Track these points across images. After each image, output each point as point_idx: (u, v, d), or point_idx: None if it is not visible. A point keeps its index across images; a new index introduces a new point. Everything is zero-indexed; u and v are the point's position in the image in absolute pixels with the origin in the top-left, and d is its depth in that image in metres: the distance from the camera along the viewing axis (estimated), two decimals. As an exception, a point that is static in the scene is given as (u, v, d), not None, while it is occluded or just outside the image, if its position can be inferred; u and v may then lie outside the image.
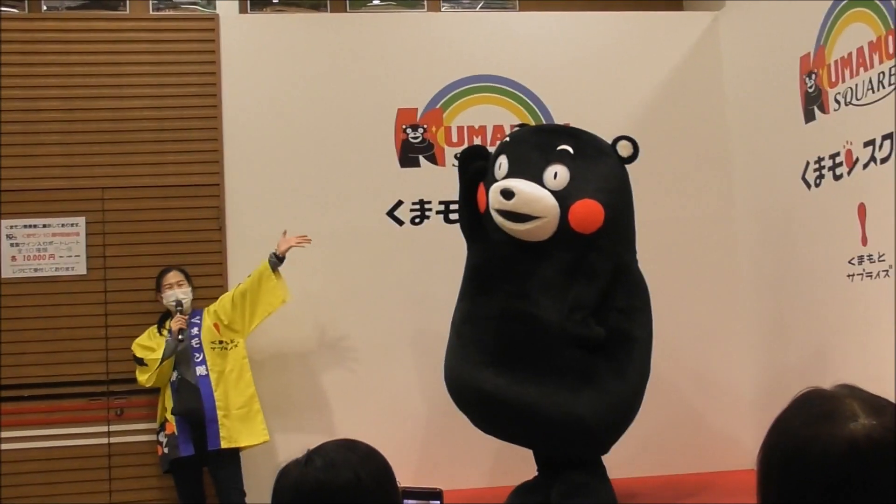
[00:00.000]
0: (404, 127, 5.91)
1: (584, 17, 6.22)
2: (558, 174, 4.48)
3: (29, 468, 5.36)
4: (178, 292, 5.27)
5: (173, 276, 5.32)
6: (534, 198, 4.41)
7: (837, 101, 4.88)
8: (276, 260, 5.27)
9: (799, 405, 1.41)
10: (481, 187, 4.70)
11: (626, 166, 4.74)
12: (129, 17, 5.88)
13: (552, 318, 4.44)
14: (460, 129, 5.93)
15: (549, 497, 4.67)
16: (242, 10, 6.32)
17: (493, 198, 4.49)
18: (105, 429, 5.46)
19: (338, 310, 5.73)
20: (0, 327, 5.42)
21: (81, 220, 5.58)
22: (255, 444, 5.17)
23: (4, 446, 5.37)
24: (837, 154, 4.85)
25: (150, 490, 5.43)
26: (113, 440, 5.46)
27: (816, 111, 5.06)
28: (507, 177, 4.53)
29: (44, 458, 5.39)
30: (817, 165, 5.04)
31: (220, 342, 5.24)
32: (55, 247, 5.53)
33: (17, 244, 5.49)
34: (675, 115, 6.10)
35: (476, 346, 4.58)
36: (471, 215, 4.75)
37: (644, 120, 6.05)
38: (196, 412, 5.03)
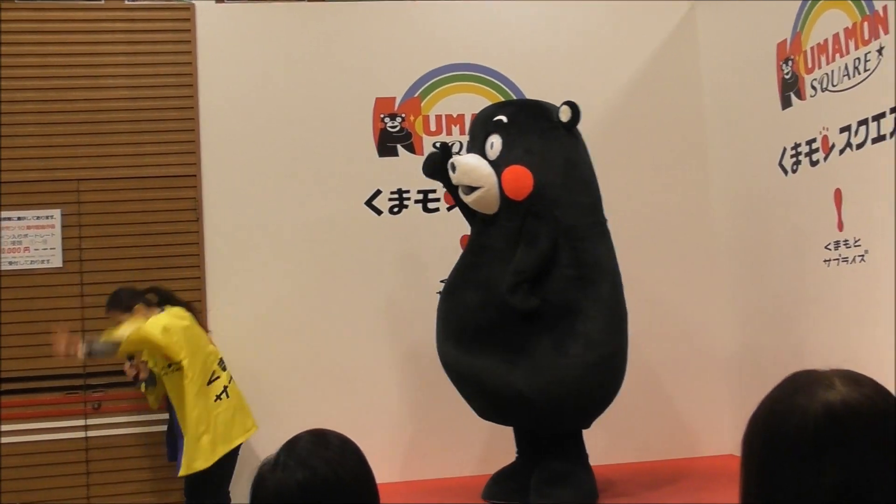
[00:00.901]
0: (382, 116, 5.89)
1: (563, 6, 6.20)
2: (493, 144, 4.63)
3: (6, 463, 5.31)
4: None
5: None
6: (469, 167, 4.56)
7: (814, 88, 4.89)
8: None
9: (784, 382, 1.44)
10: None
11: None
12: (105, 7, 5.81)
13: (500, 288, 4.48)
14: (438, 117, 5.91)
15: (527, 482, 4.67)
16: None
17: (450, 174, 4.66)
18: (82, 423, 5.43)
19: (317, 298, 5.71)
20: (-25, 321, 5.38)
21: (57, 213, 5.53)
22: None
23: (-19, 441, 5.34)
24: (814, 140, 4.87)
25: (128, 483, 5.40)
26: (90, 434, 5.43)
27: (793, 97, 5.07)
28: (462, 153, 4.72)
29: (21, 452, 5.34)
30: (794, 151, 5.05)
31: (169, 365, 4.84)
32: (30, 240, 5.48)
33: (-8, 237, 5.45)
34: (653, 102, 6.10)
35: (443, 321, 4.72)
36: (458, 202, 4.88)
37: (622, 107, 6.07)
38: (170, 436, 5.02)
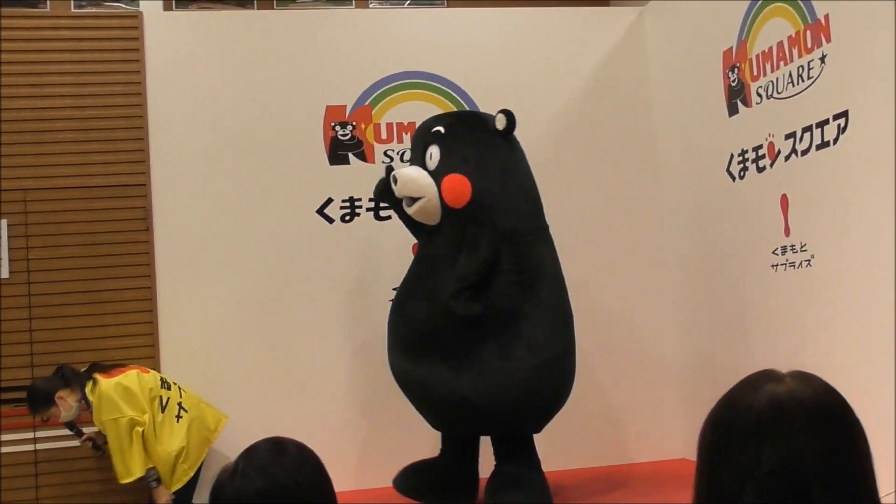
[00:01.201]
0: (333, 124, 5.88)
1: (512, 13, 6.25)
2: (432, 154, 4.72)
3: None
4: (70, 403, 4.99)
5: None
6: (409, 178, 4.66)
7: (759, 95, 4.97)
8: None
9: (742, 379, 1.51)
10: None
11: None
12: (50, 15, 5.76)
13: (442, 296, 4.54)
14: (389, 125, 5.92)
15: (443, 481, 4.80)
16: (167, 7, 6.23)
17: (392, 187, 4.74)
18: (31, 435, 5.35)
19: (268, 308, 5.68)
20: (-80, 334, 5.28)
21: (3, 223, 5.45)
22: None
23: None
24: (760, 146, 4.95)
25: (77, 497, 5.32)
26: (39, 447, 5.34)
27: (739, 104, 5.15)
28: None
29: (-32, 466, 5.26)
30: (741, 158, 5.13)
31: None
32: (-24, 250, 5.40)
33: (-64, 249, 5.35)
34: (602, 108, 6.16)
35: (392, 332, 4.78)
36: (405, 221, 4.97)
37: (572, 114, 6.12)
38: None
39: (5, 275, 5.42)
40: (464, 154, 4.69)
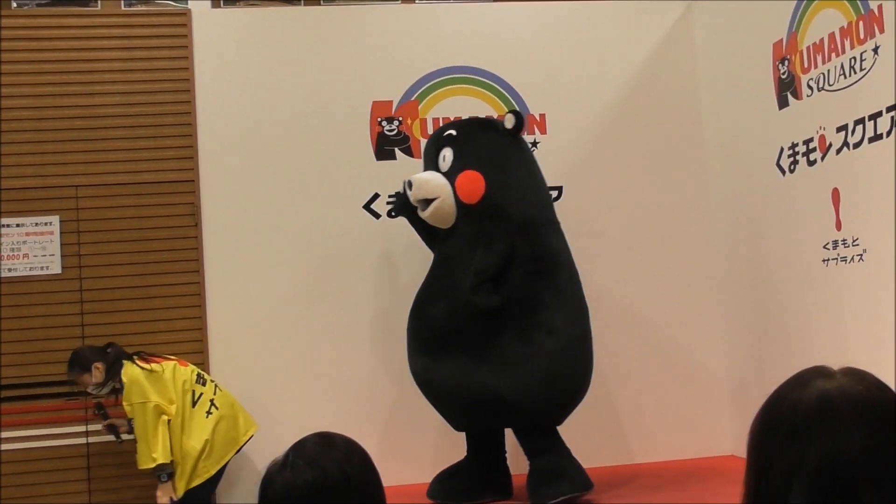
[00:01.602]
0: (380, 119, 5.89)
1: (558, 7, 6.21)
2: (445, 156, 4.86)
3: (7, 470, 5.32)
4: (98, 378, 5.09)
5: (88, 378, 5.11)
6: (423, 180, 4.81)
7: (810, 87, 4.90)
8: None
9: (793, 376, 1.50)
10: None
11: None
12: (100, 13, 5.82)
13: (460, 293, 4.68)
14: (436, 120, 5.92)
15: (471, 482, 4.84)
16: (215, 4, 6.27)
17: (407, 193, 4.88)
18: (83, 428, 5.43)
19: (316, 302, 5.71)
20: (-24, 329, 5.39)
21: (55, 219, 5.54)
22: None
23: (-18, 448, 5.34)
24: (811, 140, 4.87)
25: (129, 489, 5.39)
26: (91, 440, 5.43)
27: (790, 97, 5.08)
28: None
29: (21, 459, 5.35)
30: (791, 151, 5.06)
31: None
32: (29, 246, 5.48)
33: (-8, 244, 5.45)
34: (650, 103, 6.11)
35: (412, 335, 4.89)
36: (423, 233, 5.13)
37: (619, 108, 6.08)
38: None
39: (58, 270, 5.51)
40: (476, 153, 4.84)
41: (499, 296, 4.63)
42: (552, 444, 4.80)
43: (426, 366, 4.81)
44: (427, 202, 4.81)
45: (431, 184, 4.79)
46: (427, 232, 5.08)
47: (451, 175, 4.80)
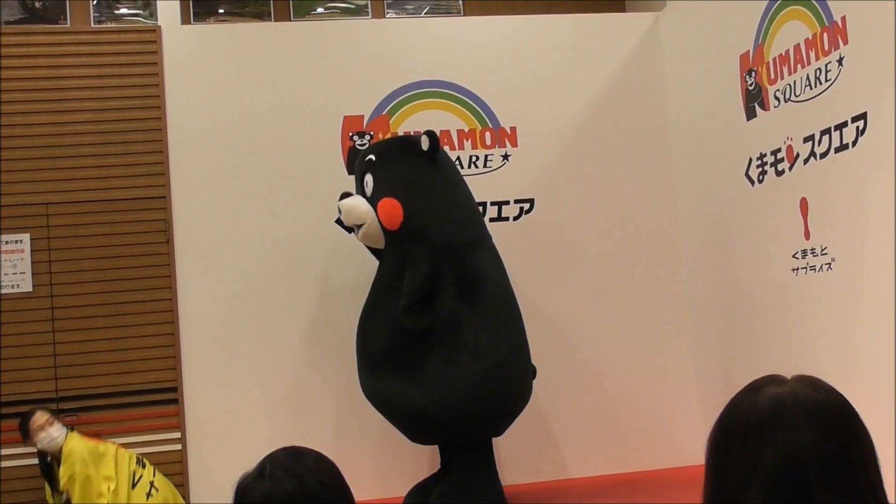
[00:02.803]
0: (351, 134, 5.90)
1: (529, 21, 6.26)
2: (368, 182, 4.98)
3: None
4: (51, 432, 5.03)
5: (41, 417, 5.07)
6: (349, 207, 4.93)
7: (777, 98, 4.95)
8: None
9: (747, 384, 1.55)
10: None
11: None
12: (70, 31, 5.81)
13: (395, 314, 4.77)
14: (407, 134, 5.93)
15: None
16: (185, 20, 6.28)
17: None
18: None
19: (286, 317, 5.70)
20: (-55, 347, 5.34)
21: (26, 237, 5.51)
22: None
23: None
24: (779, 150, 4.93)
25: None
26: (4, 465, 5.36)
27: (757, 108, 5.14)
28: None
29: (-7, 479, 5.30)
30: (759, 162, 5.12)
31: None
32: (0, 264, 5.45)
33: (-40, 263, 5.41)
34: (619, 114, 6.16)
35: (360, 353, 4.99)
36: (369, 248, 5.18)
37: (588, 120, 6.12)
38: None
39: (29, 288, 5.48)
40: (392, 178, 4.91)
41: (427, 317, 4.72)
42: (475, 459, 4.89)
43: (369, 383, 4.92)
44: (357, 226, 4.92)
45: (357, 210, 4.89)
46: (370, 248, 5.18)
47: (373, 201, 4.88)
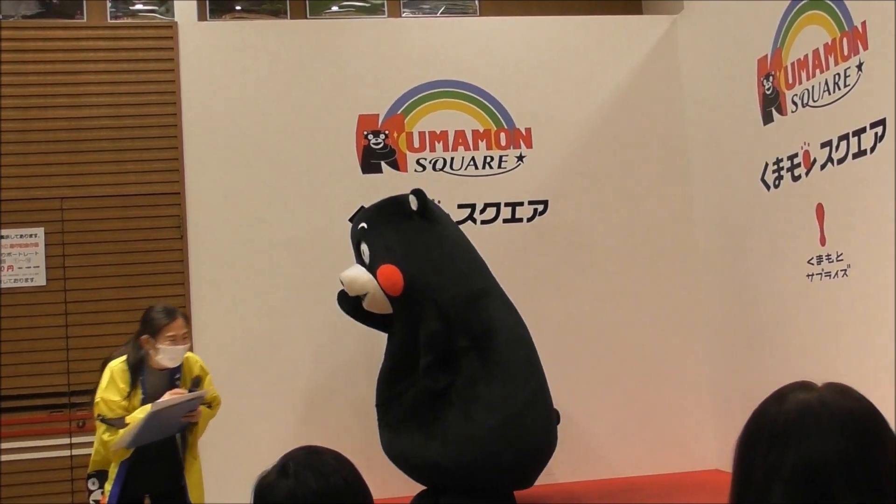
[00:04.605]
0: (366, 133, 5.90)
1: (545, 22, 6.25)
2: (364, 251, 4.97)
3: (-11, 482, 5.28)
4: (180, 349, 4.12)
5: (180, 326, 4.10)
6: (350, 279, 4.93)
7: (795, 103, 4.94)
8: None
9: (775, 391, 1.54)
10: None
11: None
12: (86, 26, 5.82)
13: (415, 374, 4.81)
14: (422, 134, 5.93)
15: None
16: (201, 17, 6.28)
17: None
18: (67, 441, 5.40)
19: (299, 314, 5.71)
20: (-41, 340, 5.36)
21: (40, 231, 5.52)
22: None
23: (-36, 461, 5.30)
24: (795, 155, 4.91)
25: None
26: (75, 452, 5.39)
27: (774, 113, 5.12)
28: None
29: (6, 471, 5.31)
30: (776, 167, 5.10)
31: None
32: (14, 258, 5.46)
33: (-25, 256, 5.42)
34: (635, 117, 6.15)
35: (380, 410, 5.02)
36: (376, 324, 5.14)
37: (604, 123, 6.11)
38: None
39: (42, 282, 5.49)
40: (387, 243, 4.91)
41: (447, 375, 4.72)
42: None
43: (390, 439, 4.94)
44: (362, 296, 4.92)
45: (358, 281, 4.89)
46: (377, 321, 5.12)
47: (372, 269, 4.87)
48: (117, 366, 4.09)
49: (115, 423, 3.96)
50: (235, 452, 5.33)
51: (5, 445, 5.35)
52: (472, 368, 4.73)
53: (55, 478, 5.36)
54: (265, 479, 1.70)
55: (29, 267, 5.47)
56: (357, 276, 4.90)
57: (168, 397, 3.96)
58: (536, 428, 4.76)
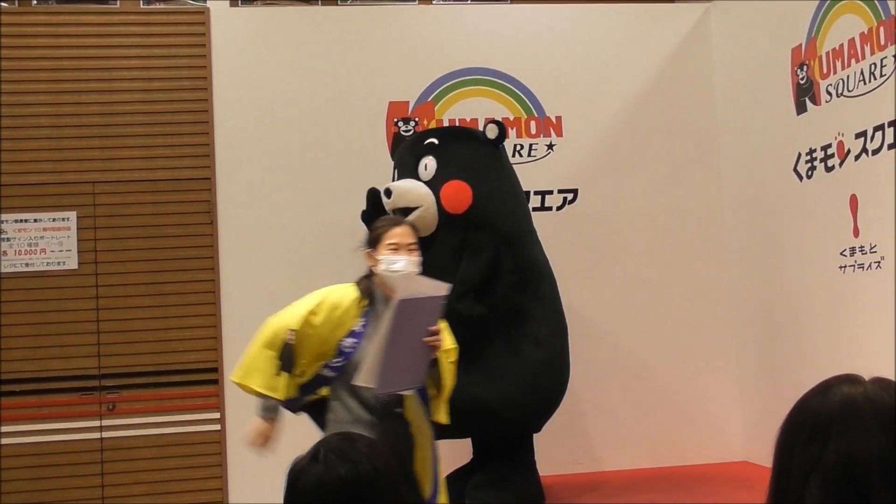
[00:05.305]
0: (396, 120, 5.90)
1: (576, 9, 6.21)
2: (427, 165, 4.79)
3: (21, 463, 5.34)
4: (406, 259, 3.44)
5: (403, 234, 3.48)
6: (406, 189, 4.66)
7: (829, 93, 4.88)
8: None
9: (820, 382, 1.52)
10: None
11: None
12: (119, 11, 5.84)
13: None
14: (452, 121, 5.92)
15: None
16: (233, 3, 6.28)
17: (384, 202, 4.65)
18: (97, 423, 5.45)
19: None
20: (-7, 322, 5.42)
21: (73, 215, 5.56)
22: None
23: (-4, 441, 5.37)
24: (829, 145, 4.86)
25: (142, 485, 5.42)
26: (105, 435, 5.45)
27: (808, 103, 5.07)
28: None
29: (36, 452, 5.38)
30: (809, 157, 5.05)
31: None
32: (46, 241, 5.51)
33: (9, 239, 5.47)
34: (666, 106, 6.11)
35: None
36: None
37: (634, 111, 6.08)
38: None
39: (74, 265, 5.53)
40: (460, 163, 4.78)
41: (483, 305, 4.55)
42: (518, 452, 4.84)
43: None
44: (406, 211, 4.61)
45: (413, 192, 4.64)
46: None
47: (434, 184, 4.70)
48: (339, 289, 3.46)
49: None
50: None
51: (37, 427, 5.41)
52: (518, 304, 4.67)
53: (86, 460, 5.41)
54: (298, 465, 1.72)
55: (61, 250, 5.52)
56: (413, 187, 4.67)
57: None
58: (566, 372, 4.85)
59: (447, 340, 3.49)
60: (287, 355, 3.27)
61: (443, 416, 3.52)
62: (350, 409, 3.32)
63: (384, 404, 3.28)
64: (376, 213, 4.84)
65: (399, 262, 3.39)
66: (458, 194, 4.67)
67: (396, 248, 3.44)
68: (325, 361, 3.32)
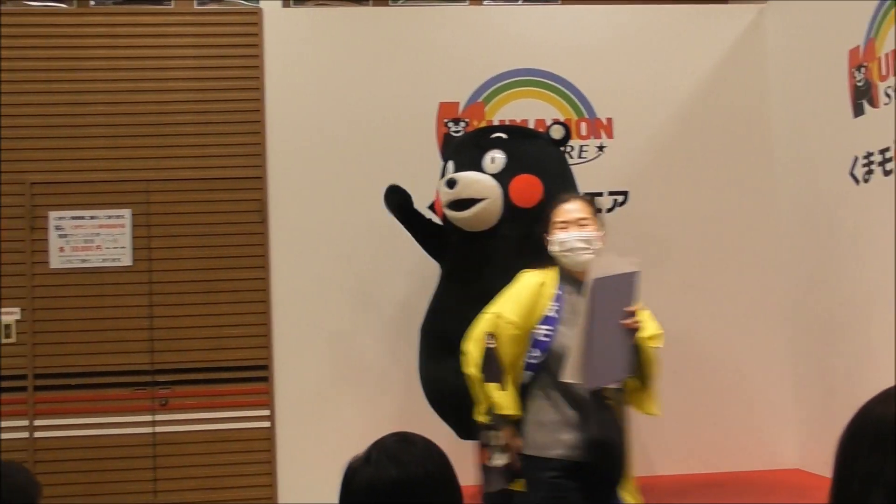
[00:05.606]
0: (446, 121, 5.91)
1: (628, 10, 6.18)
2: (495, 158, 4.71)
3: (72, 456, 5.43)
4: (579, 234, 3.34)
5: (573, 210, 3.40)
6: (473, 179, 4.59)
7: (888, 95, 4.81)
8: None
9: (884, 391, 1.51)
10: (438, 202, 4.90)
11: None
12: (174, 12, 5.91)
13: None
14: (502, 122, 5.91)
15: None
16: (285, 3, 6.33)
17: (442, 193, 4.66)
18: (150, 419, 5.52)
19: (379, 300, 5.74)
20: (48, 317, 5.51)
21: (127, 213, 5.64)
22: None
23: (49, 434, 5.45)
24: (887, 149, 4.79)
25: (193, 479, 5.48)
26: (157, 430, 5.52)
27: (866, 105, 4.99)
28: None
29: (88, 446, 5.47)
30: (866, 160, 4.98)
31: None
32: (102, 238, 5.60)
33: (65, 235, 5.57)
34: (719, 108, 6.05)
35: (438, 341, 4.72)
36: (425, 236, 5.04)
37: (687, 114, 6.03)
38: None
39: (129, 262, 5.61)
40: (530, 159, 4.75)
41: None
42: None
43: (427, 367, 4.80)
44: (466, 203, 4.58)
45: (480, 184, 4.59)
46: (429, 234, 5.01)
47: (502, 177, 4.65)
48: (532, 276, 3.36)
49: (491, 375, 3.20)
50: (311, 433, 5.42)
51: (89, 421, 5.49)
52: None
53: (138, 454, 5.49)
54: (352, 465, 1.73)
55: (116, 247, 5.60)
56: (480, 178, 4.61)
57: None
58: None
59: (650, 326, 3.41)
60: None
61: (654, 408, 3.41)
62: (559, 409, 3.27)
63: (595, 397, 3.22)
64: (401, 213, 4.99)
65: (568, 241, 3.33)
66: (530, 188, 4.62)
67: (565, 225, 3.38)
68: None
